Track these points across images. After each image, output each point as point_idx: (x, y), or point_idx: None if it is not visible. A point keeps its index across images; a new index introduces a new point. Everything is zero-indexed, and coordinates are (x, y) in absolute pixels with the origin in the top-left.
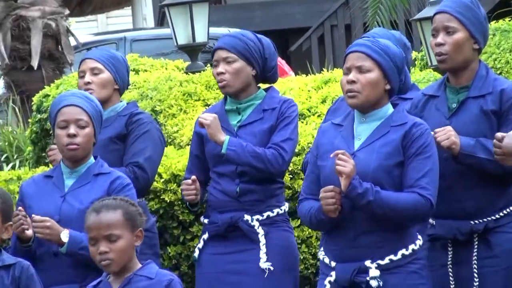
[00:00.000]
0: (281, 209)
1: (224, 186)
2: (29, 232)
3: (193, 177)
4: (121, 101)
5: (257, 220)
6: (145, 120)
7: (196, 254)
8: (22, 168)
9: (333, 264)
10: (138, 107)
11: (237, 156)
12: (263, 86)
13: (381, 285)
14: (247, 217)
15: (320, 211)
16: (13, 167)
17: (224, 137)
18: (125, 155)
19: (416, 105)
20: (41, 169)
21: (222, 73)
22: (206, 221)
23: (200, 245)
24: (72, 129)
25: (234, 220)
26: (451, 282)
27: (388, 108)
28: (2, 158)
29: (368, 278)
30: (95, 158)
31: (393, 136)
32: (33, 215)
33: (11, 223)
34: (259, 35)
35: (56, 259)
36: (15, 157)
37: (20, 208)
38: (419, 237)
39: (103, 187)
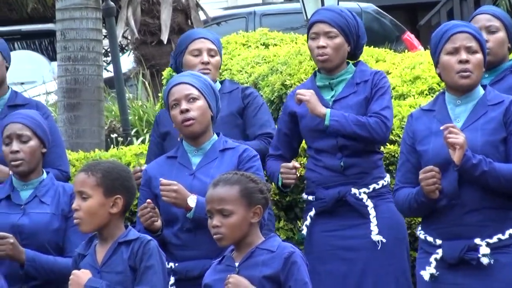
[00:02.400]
0: (385, 181)
1: (326, 162)
2: (158, 224)
3: (296, 164)
4: None
5: (365, 193)
6: (256, 94)
7: (304, 231)
8: None
9: (438, 242)
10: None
11: (341, 126)
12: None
13: (492, 262)
14: (354, 190)
15: (420, 194)
16: (143, 141)
17: (325, 110)
18: (250, 127)
19: None
20: None
21: (323, 47)
22: (310, 198)
23: (308, 222)
24: (184, 105)
25: (341, 194)
26: None
27: (480, 88)
28: (132, 132)
29: (479, 255)
30: (218, 134)
31: (493, 114)
32: (160, 179)
33: (119, 196)
34: (352, 13)
35: (190, 235)
36: (145, 131)
37: (148, 200)
38: None
39: (232, 162)
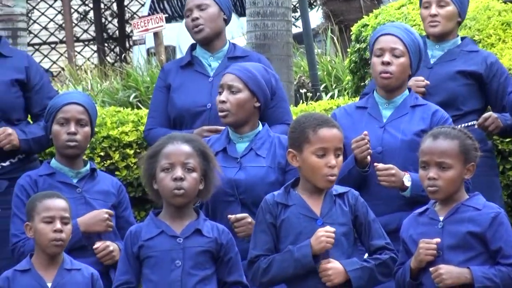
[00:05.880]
0: None
1: None
2: (369, 159)
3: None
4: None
5: None
6: (500, 63)
7: None
8: (341, 97)
9: None
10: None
11: None
12: None
13: None
14: None
15: None
16: (331, 97)
17: None
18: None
19: None
20: (358, 99)
21: None
22: None
23: None
24: (387, 57)
25: None
26: None
27: None
28: (321, 88)
29: None
30: (409, 90)
31: None
32: (375, 164)
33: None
34: None
35: (379, 188)
36: (333, 86)
37: (365, 132)
38: None
39: (424, 119)
